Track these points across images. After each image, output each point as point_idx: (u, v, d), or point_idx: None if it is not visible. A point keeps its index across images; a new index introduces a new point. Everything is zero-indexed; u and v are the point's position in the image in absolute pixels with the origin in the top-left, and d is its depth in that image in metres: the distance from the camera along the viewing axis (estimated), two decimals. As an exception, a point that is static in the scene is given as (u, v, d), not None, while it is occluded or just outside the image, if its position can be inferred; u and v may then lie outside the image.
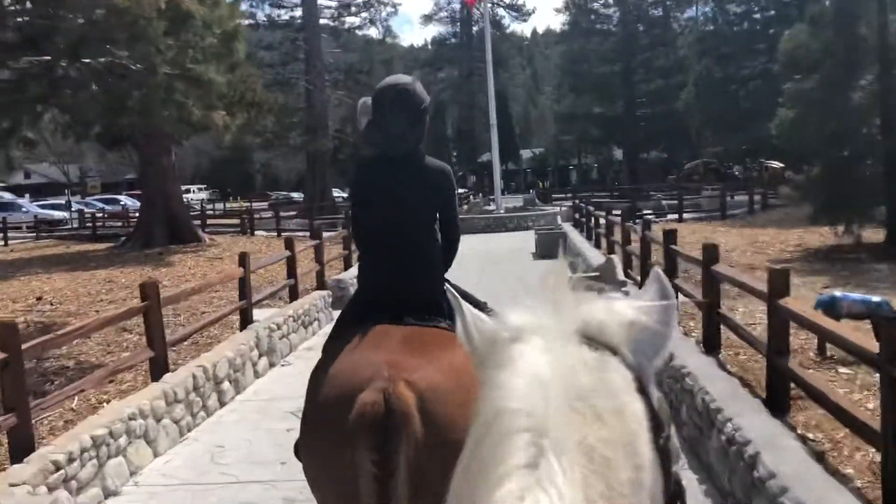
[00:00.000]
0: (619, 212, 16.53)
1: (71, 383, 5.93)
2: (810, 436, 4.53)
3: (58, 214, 37.79)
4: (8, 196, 43.63)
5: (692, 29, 51.84)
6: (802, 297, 7.55)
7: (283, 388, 7.44)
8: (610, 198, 33.83)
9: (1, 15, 8.11)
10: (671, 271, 8.38)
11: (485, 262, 16.62)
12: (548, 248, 17.73)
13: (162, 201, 21.03)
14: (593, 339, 0.84)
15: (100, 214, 33.31)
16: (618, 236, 13.31)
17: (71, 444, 4.70)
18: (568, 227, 21.55)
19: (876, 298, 6.36)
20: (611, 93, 52.81)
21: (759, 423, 4.35)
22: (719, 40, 44.07)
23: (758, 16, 44.51)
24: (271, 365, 8.24)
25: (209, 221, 28.95)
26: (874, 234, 13.89)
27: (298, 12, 41.74)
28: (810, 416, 4.85)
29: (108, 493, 5.01)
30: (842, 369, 5.89)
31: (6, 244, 27.58)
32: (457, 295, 1.14)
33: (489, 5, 41.53)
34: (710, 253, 6.55)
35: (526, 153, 67.03)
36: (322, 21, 41.89)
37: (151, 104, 8.51)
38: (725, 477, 4.36)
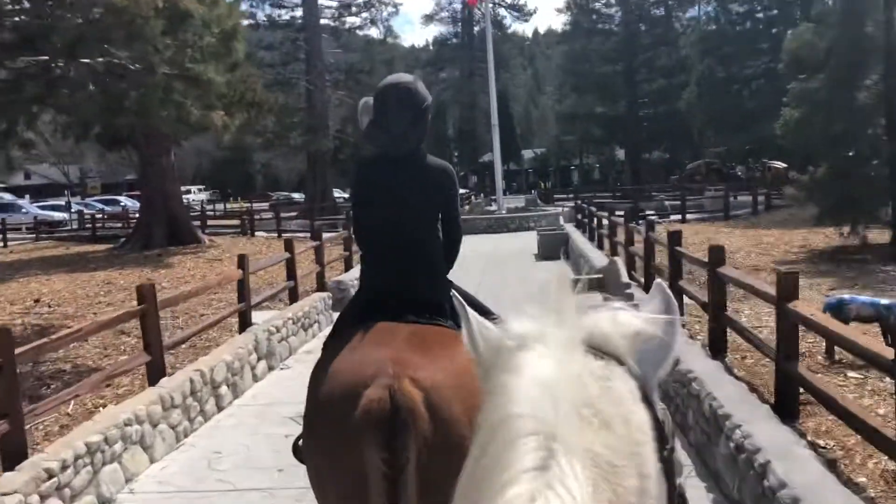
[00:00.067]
0: (621, 212, 16.40)
1: (67, 387, 5.83)
2: (821, 443, 4.43)
3: (57, 215, 37.71)
4: (8, 197, 43.56)
5: (694, 28, 51.68)
6: (809, 299, 7.45)
7: (282, 393, 7.33)
8: (612, 198, 33.71)
9: (-2, 14, 8.03)
10: (676, 273, 8.26)
11: (487, 263, 16.52)
12: (550, 249, 17.64)
13: (161, 202, 20.95)
14: (598, 349, 0.84)
15: (99, 215, 33.23)
16: (621, 237, 13.19)
17: (64, 451, 4.59)
18: (570, 228, 21.44)
19: (885, 301, 6.24)
20: (613, 92, 52.70)
21: (769, 430, 4.24)
22: (722, 40, 43.93)
23: (760, 15, 44.38)
24: (270, 368, 8.13)
25: (209, 222, 28.87)
26: (879, 235, 13.77)
27: (299, 12, 41.68)
28: (820, 421, 4.75)
29: (102, 501, 4.90)
30: (851, 373, 5.79)
31: (5, 245, 27.51)
32: (463, 302, 1.10)
33: (490, 5, 41.47)
34: (717, 255, 6.43)
35: (527, 153, 66.97)
36: (323, 21, 41.82)
37: (149, 104, 8.41)
38: (734, 485, 4.24)
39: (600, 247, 16.18)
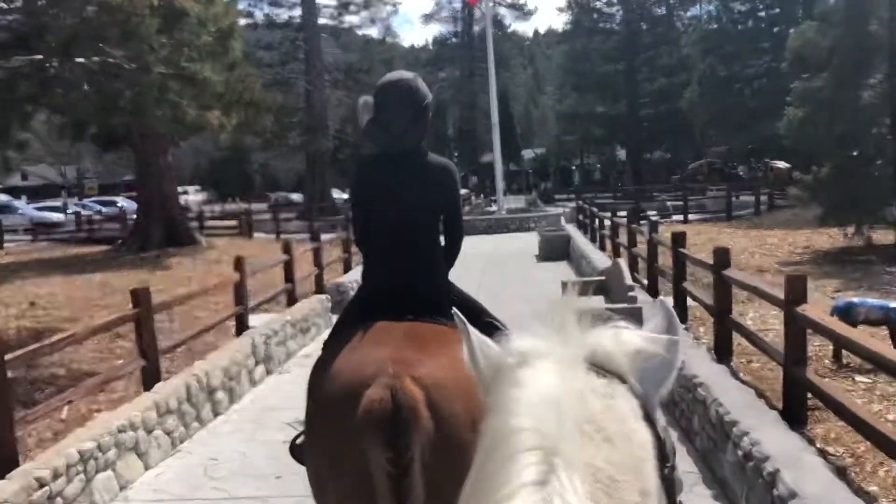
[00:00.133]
0: (623, 213, 16.30)
1: (61, 392, 5.72)
2: (830, 450, 4.32)
3: (54, 217, 37.57)
4: (4, 198, 43.38)
5: (696, 27, 51.54)
6: (814, 301, 7.34)
7: (280, 397, 7.22)
8: (613, 198, 33.60)
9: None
10: (679, 276, 8.15)
11: (487, 263, 16.42)
12: (551, 250, 17.54)
13: (159, 203, 20.83)
14: (601, 367, 0.84)
15: (96, 217, 33.11)
16: (623, 238, 13.09)
17: (56, 460, 4.48)
18: (571, 229, 21.33)
19: (894, 304, 6.13)
20: (614, 92, 52.56)
21: (778, 438, 4.13)
22: (723, 38, 43.77)
23: (762, 14, 44.23)
24: (268, 373, 8.02)
25: (207, 223, 28.74)
26: (884, 236, 13.67)
27: (297, 12, 41.51)
28: (829, 428, 4.64)
29: (95, 510, 4.79)
30: (859, 378, 5.68)
31: (1, 247, 27.36)
32: (464, 320, 1.08)
33: (490, 4, 41.30)
34: (722, 257, 6.33)
35: (528, 153, 66.84)
36: (321, 21, 41.65)
37: (144, 104, 8.30)
38: (742, 494, 4.13)
39: (602, 248, 16.08)
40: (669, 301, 8.73)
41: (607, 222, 15.71)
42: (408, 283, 2.70)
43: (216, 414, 6.68)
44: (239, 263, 8.43)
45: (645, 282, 10.29)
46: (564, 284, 9.42)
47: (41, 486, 4.28)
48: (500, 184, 31.27)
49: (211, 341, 8.52)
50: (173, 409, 5.92)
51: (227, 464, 5.57)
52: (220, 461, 5.63)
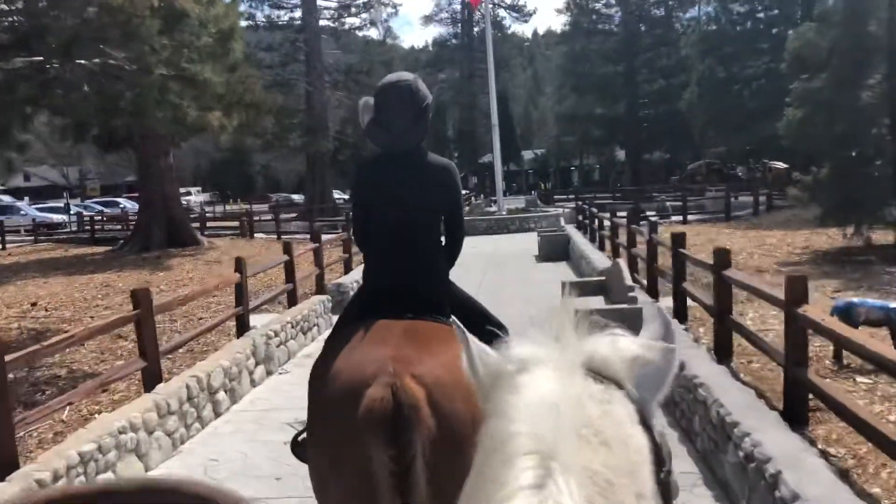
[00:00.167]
0: (623, 213, 16.30)
1: (62, 393, 5.73)
2: (832, 451, 4.31)
3: (56, 217, 37.59)
4: (7, 199, 43.43)
5: (695, 28, 51.51)
6: (814, 301, 7.33)
7: (281, 398, 7.22)
8: (613, 199, 33.62)
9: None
10: (679, 276, 8.15)
11: (487, 264, 16.42)
12: (551, 250, 17.55)
13: (160, 204, 20.85)
14: (598, 373, 0.85)
15: (98, 217, 33.12)
16: (623, 239, 13.08)
17: (57, 461, 4.48)
18: (571, 230, 21.33)
19: (894, 304, 6.12)
20: (613, 93, 52.55)
21: (780, 439, 4.12)
22: (722, 40, 43.75)
23: (761, 15, 44.18)
24: (269, 373, 8.01)
25: (209, 224, 28.77)
26: (883, 236, 13.66)
27: (298, 13, 41.57)
28: (830, 429, 4.63)
29: (96, 512, 4.78)
30: (860, 378, 5.68)
31: (4, 248, 27.40)
32: (463, 328, 1.07)
33: (490, 6, 41.34)
34: (722, 257, 6.32)
35: (527, 154, 66.85)
36: (322, 22, 41.71)
37: (145, 105, 8.30)
38: (744, 495, 4.13)
39: (602, 248, 16.08)
40: (669, 301, 8.76)
41: (607, 223, 15.71)
42: (408, 283, 2.71)
43: (217, 414, 6.68)
44: (239, 264, 8.43)
45: (644, 282, 10.29)
46: (564, 285, 9.43)
47: (41, 488, 4.27)
48: (499, 184, 31.26)
49: (212, 341, 8.53)
50: (174, 409, 5.92)
51: (228, 464, 5.57)
52: (220, 462, 5.63)
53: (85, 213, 37.38)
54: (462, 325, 1.10)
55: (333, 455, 2.30)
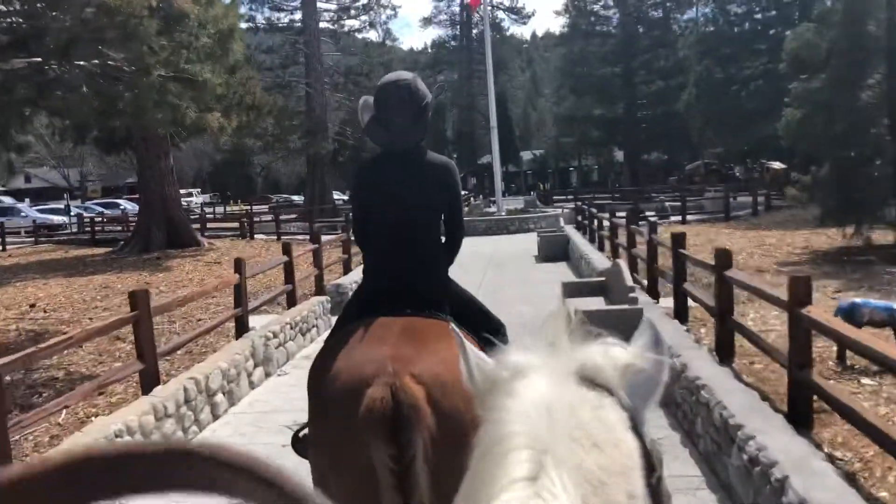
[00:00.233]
0: (622, 214, 16.26)
1: (59, 395, 5.67)
2: (838, 454, 4.27)
3: (57, 219, 37.53)
4: (7, 200, 43.36)
5: (692, 30, 51.56)
6: (816, 302, 7.29)
7: (280, 400, 7.17)
8: (612, 200, 33.59)
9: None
10: (680, 276, 8.11)
11: (487, 264, 16.39)
12: (551, 251, 17.51)
13: (160, 205, 20.81)
14: (590, 380, 0.87)
15: (99, 219, 33.07)
16: (622, 239, 13.04)
17: (52, 465, 4.42)
18: (570, 230, 21.28)
19: (898, 305, 6.08)
20: (611, 94, 52.55)
21: (785, 442, 4.07)
22: (720, 41, 43.77)
23: (759, 16, 44.20)
24: (267, 375, 7.96)
25: (209, 225, 28.72)
26: (882, 236, 13.63)
27: (298, 15, 41.56)
28: (836, 432, 4.59)
29: (92, 516, 4.73)
30: (864, 380, 5.63)
31: (4, 249, 27.31)
32: (461, 335, 1.10)
33: (489, 8, 41.31)
34: (723, 258, 6.28)
35: (526, 155, 66.84)
36: (322, 24, 41.70)
37: (144, 105, 8.25)
38: (748, 500, 4.08)
39: (601, 249, 16.03)
40: (670, 302, 8.71)
41: (606, 223, 15.66)
42: (407, 281, 2.72)
43: (215, 417, 6.63)
44: (238, 265, 8.38)
45: (644, 283, 10.25)
46: (564, 286, 9.38)
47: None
48: (498, 185, 31.23)
49: (211, 343, 8.48)
50: (171, 412, 5.87)
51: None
52: (219, 465, 5.57)
53: (85, 214, 37.32)
54: (460, 329, 1.10)
55: (334, 455, 2.30)
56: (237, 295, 8.36)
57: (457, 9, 62.46)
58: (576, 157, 64.73)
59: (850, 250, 13.12)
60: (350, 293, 11.43)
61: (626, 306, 7.71)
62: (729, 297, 6.29)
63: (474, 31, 60.10)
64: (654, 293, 9.68)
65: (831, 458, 4.10)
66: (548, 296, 10.48)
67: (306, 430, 2.71)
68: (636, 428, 0.87)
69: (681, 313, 8.03)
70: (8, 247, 27.89)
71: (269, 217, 32.10)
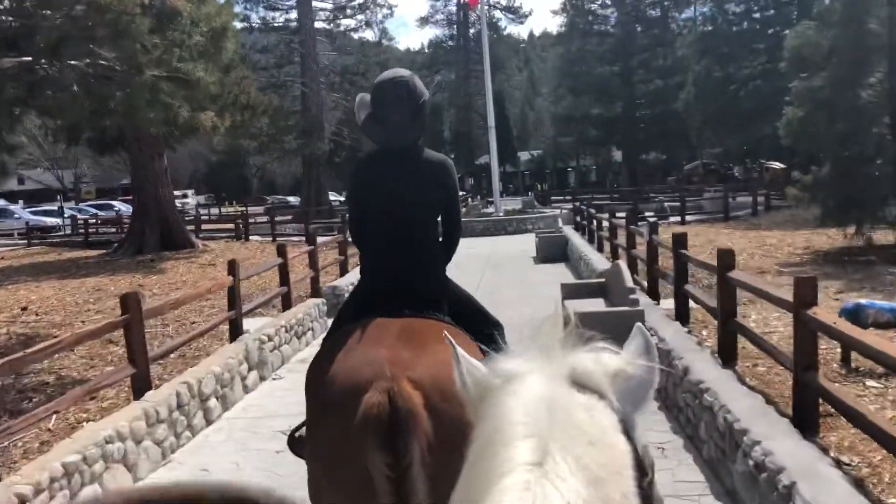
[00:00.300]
0: (621, 214, 16.15)
1: (50, 401, 5.54)
2: (845, 459, 4.15)
3: (50, 221, 37.33)
4: (1, 202, 43.14)
5: (691, 29, 51.50)
6: (819, 303, 7.17)
7: (275, 404, 7.05)
8: (610, 200, 33.51)
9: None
10: (681, 278, 7.98)
11: (485, 265, 16.29)
12: (549, 251, 17.40)
13: (154, 206, 20.67)
14: (582, 385, 0.89)
15: (93, 220, 32.90)
16: (622, 240, 12.93)
17: (39, 474, 4.30)
18: (569, 231, 21.18)
19: (903, 306, 5.97)
20: (609, 94, 52.48)
21: (792, 448, 3.96)
22: (718, 40, 43.69)
23: (757, 15, 44.15)
24: (262, 379, 7.83)
25: (203, 227, 28.57)
26: (883, 236, 13.54)
27: (293, 15, 41.38)
28: (842, 436, 4.47)
29: (81, 525, 4.61)
30: (870, 382, 5.52)
31: (-3, 251, 27.14)
32: (454, 343, 1.13)
33: (486, 8, 41.21)
34: (726, 258, 6.16)
35: (524, 155, 66.79)
36: (317, 24, 41.51)
37: (136, 105, 8.12)
38: (754, 507, 3.97)
39: (600, 249, 15.93)
40: (670, 303, 8.60)
41: (605, 223, 15.55)
42: (405, 280, 2.70)
43: (208, 422, 6.50)
44: (232, 267, 8.24)
45: (645, 284, 10.13)
46: (563, 287, 9.26)
47: (22, 502, 4.10)
48: (496, 185, 31.14)
49: (204, 346, 8.35)
50: (164, 418, 5.74)
51: (219, 475, 5.38)
52: (211, 472, 5.45)
53: (79, 216, 37.14)
54: (457, 329, 1.14)
55: (331, 459, 2.28)
56: (231, 297, 8.23)
57: (453, 8, 62.41)
58: (574, 158, 64.70)
59: (852, 250, 13.03)
60: (346, 295, 11.29)
61: (626, 308, 7.60)
62: (732, 298, 6.17)
63: (471, 31, 60.04)
64: (654, 294, 9.57)
65: (838, 464, 3.98)
66: (546, 297, 10.36)
67: (303, 430, 2.67)
68: (627, 432, 0.89)
69: (682, 315, 7.91)
70: (0, 249, 27.71)
71: (264, 218, 31.95)
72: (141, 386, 6.00)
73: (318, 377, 2.45)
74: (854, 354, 5.71)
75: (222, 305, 9.74)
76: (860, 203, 12.72)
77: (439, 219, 2.91)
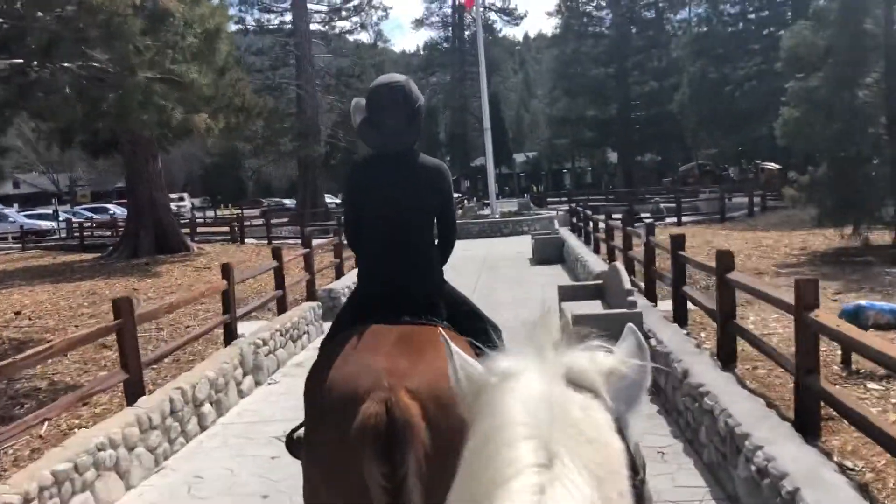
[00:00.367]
0: (618, 216, 16.11)
1: (41, 407, 5.46)
2: (848, 464, 4.09)
3: (45, 224, 37.17)
4: (-5, 206, 42.97)
5: (686, 30, 51.56)
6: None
7: (270, 409, 6.97)
8: (606, 201, 33.50)
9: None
10: (679, 279, 7.93)
11: (481, 267, 16.23)
12: (545, 253, 17.35)
13: (149, 210, 20.55)
14: (576, 383, 0.89)
15: (88, 224, 32.75)
16: (618, 241, 12.87)
17: (28, 483, 4.21)
18: (565, 232, 21.13)
19: (904, 307, 5.92)
20: (604, 95, 52.45)
21: (794, 452, 3.90)
22: (713, 41, 43.76)
23: (752, 16, 44.23)
24: (257, 383, 7.74)
25: (199, 230, 28.46)
26: (880, 237, 13.52)
27: (288, 17, 41.33)
28: (845, 440, 4.41)
29: (72, 535, 4.52)
30: (871, 385, 5.47)
31: (-9, 255, 27.00)
32: (448, 340, 1.12)
33: (481, 10, 41.20)
34: (725, 260, 6.10)
35: (519, 157, 66.77)
36: (312, 26, 41.47)
37: (128, 107, 8.03)
38: (757, 512, 3.90)
39: (596, 251, 15.88)
40: (668, 305, 8.54)
41: (601, 225, 15.50)
42: (401, 284, 2.70)
43: (202, 428, 6.41)
44: (226, 271, 8.16)
45: (642, 285, 10.08)
46: (560, 289, 9.20)
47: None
48: (492, 187, 31.06)
49: (199, 351, 8.26)
50: (157, 424, 5.66)
51: (213, 482, 5.32)
52: (205, 479, 5.37)
53: (74, 219, 36.97)
54: (448, 336, 1.14)
55: (327, 468, 2.28)
56: (225, 301, 8.14)
57: (448, 10, 62.36)
58: (569, 159, 64.69)
59: (849, 251, 13.00)
60: (342, 298, 11.25)
61: (624, 310, 7.54)
62: (731, 300, 6.12)
63: (466, 33, 59.97)
64: (651, 296, 9.52)
65: (842, 469, 3.93)
66: (543, 299, 10.31)
67: (301, 431, 2.68)
68: (621, 431, 0.89)
69: (680, 317, 7.86)
70: (-5, 253, 27.57)
71: (260, 221, 31.86)
72: (134, 391, 5.92)
73: (316, 385, 2.45)
74: (854, 356, 5.66)
75: (217, 309, 9.66)
76: (857, 203, 12.70)
77: (435, 222, 2.93)
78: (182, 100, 9.12)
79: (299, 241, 17.14)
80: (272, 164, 50.93)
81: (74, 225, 33.19)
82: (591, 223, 18.16)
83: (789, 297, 4.72)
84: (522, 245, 19.79)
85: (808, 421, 4.43)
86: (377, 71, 38.48)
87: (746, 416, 4.51)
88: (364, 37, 49.85)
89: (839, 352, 5.94)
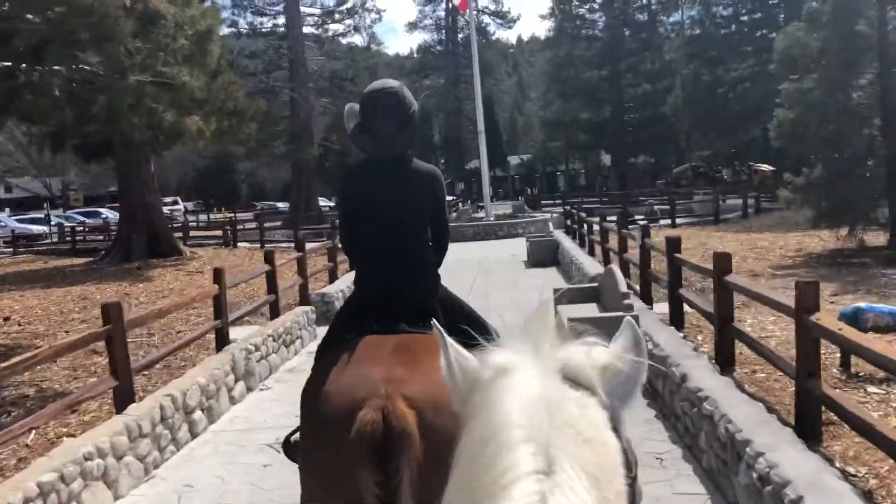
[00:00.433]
0: (612, 218, 16.05)
1: (29, 415, 5.34)
2: (851, 470, 4.03)
3: (37, 229, 36.92)
4: (-14, 210, 42.70)
5: (679, 33, 51.66)
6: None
7: (262, 416, 6.87)
8: (600, 203, 33.49)
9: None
10: (675, 282, 7.86)
11: (476, 270, 16.15)
12: (540, 256, 17.28)
13: (141, 213, 20.42)
14: (572, 379, 0.88)
15: (80, 228, 32.55)
16: (613, 244, 12.81)
17: (12, 495, 4.10)
18: (560, 235, 21.07)
19: (903, 309, 5.87)
20: (598, 98, 52.52)
21: (796, 459, 3.83)
22: (706, 43, 43.86)
23: (745, 18, 44.35)
24: (249, 390, 7.63)
25: (192, 233, 28.31)
26: (875, 238, 13.49)
27: (281, 20, 41.18)
28: (847, 445, 4.35)
29: (58, 547, 4.41)
30: (871, 388, 5.40)
31: (-19, 260, 26.77)
32: (442, 332, 1.09)
33: (475, 13, 41.14)
34: (723, 262, 6.04)
35: (513, 160, 66.78)
36: (305, 29, 41.31)
37: (119, 110, 7.93)
38: (759, 520, 3.83)
39: (591, 253, 15.82)
40: (664, 307, 8.48)
41: (596, 227, 15.44)
42: (395, 289, 2.71)
43: (193, 435, 6.30)
44: (218, 275, 8.05)
45: (637, 288, 10.02)
46: (556, 292, 9.12)
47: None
48: (486, 190, 31.02)
49: (190, 356, 8.15)
50: (146, 432, 5.55)
51: (204, 491, 5.21)
52: (195, 488, 5.27)
53: (66, 223, 36.75)
54: (442, 329, 1.09)
55: (326, 475, 2.28)
56: (216, 306, 8.03)
57: (442, 13, 62.30)
58: (563, 162, 64.72)
59: (844, 252, 12.97)
60: (336, 302, 11.16)
61: (620, 313, 7.46)
62: (729, 303, 6.05)
63: (460, 36, 59.93)
64: (647, 299, 9.46)
65: (845, 475, 3.86)
66: (538, 301, 10.23)
67: (297, 435, 2.67)
68: (615, 428, 0.88)
69: (676, 320, 7.80)
70: (-14, 257, 27.36)
71: (253, 224, 31.71)
72: (124, 399, 5.81)
73: (314, 394, 2.44)
74: (854, 359, 5.61)
75: (209, 314, 9.54)
76: (852, 204, 12.68)
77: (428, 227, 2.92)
78: (173, 102, 9.01)
79: (293, 244, 17.04)
80: (265, 168, 50.84)
81: (66, 229, 32.99)
82: (585, 225, 18.11)
83: (789, 300, 4.65)
84: (517, 248, 19.72)
85: (809, 426, 4.37)
86: (371, 74, 38.44)
87: (747, 421, 4.44)
88: (357, 40, 49.97)
89: (838, 355, 5.88)
